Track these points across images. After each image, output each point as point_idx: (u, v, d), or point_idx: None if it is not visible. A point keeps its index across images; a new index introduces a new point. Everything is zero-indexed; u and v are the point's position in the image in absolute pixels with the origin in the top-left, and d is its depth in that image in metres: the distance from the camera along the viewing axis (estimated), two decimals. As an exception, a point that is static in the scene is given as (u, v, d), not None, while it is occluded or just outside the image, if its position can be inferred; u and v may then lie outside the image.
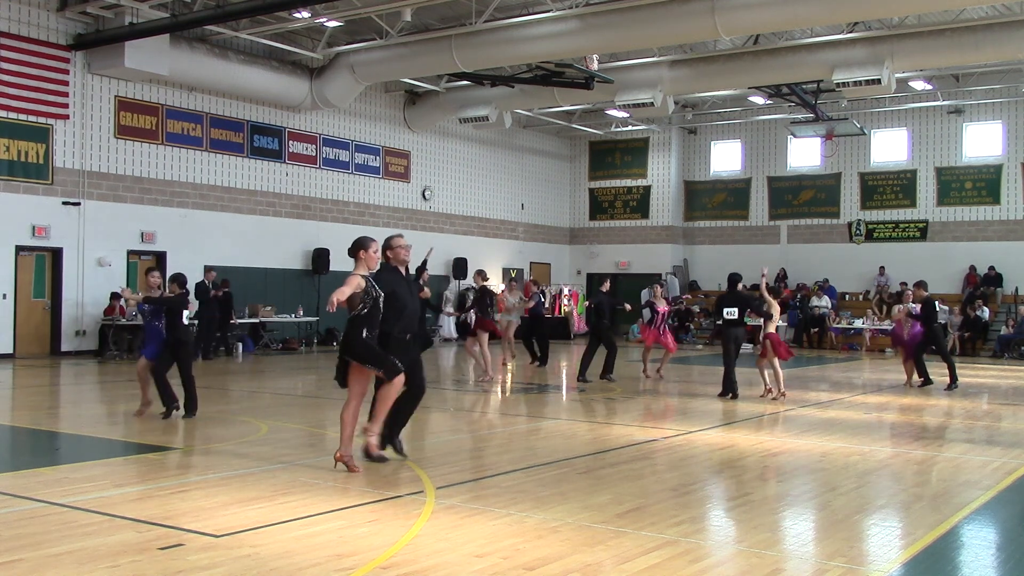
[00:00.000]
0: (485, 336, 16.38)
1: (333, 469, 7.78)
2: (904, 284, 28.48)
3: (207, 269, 20.57)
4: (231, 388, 15.39)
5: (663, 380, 16.61)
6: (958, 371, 16.20)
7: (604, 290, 16.78)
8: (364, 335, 7.68)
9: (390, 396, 7.86)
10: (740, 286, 14.20)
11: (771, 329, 13.94)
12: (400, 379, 7.79)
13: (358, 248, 7.78)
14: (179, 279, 11.34)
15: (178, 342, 10.92)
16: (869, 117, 29.62)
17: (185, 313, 11.14)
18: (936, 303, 16.07)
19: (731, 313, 13.61)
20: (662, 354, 17.30)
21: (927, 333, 15.89)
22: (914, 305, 16.33)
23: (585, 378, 16.06)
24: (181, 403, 10.99)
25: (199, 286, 19.92)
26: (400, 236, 8.37)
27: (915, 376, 16.20)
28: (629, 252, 33.18)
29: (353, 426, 7.79)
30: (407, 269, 8.39)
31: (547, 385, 16.56)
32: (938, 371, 16.71)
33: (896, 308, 17.28)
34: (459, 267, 28.82)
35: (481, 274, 17.06)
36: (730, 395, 13.77)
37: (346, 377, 7.88)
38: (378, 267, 7.92)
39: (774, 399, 13.65)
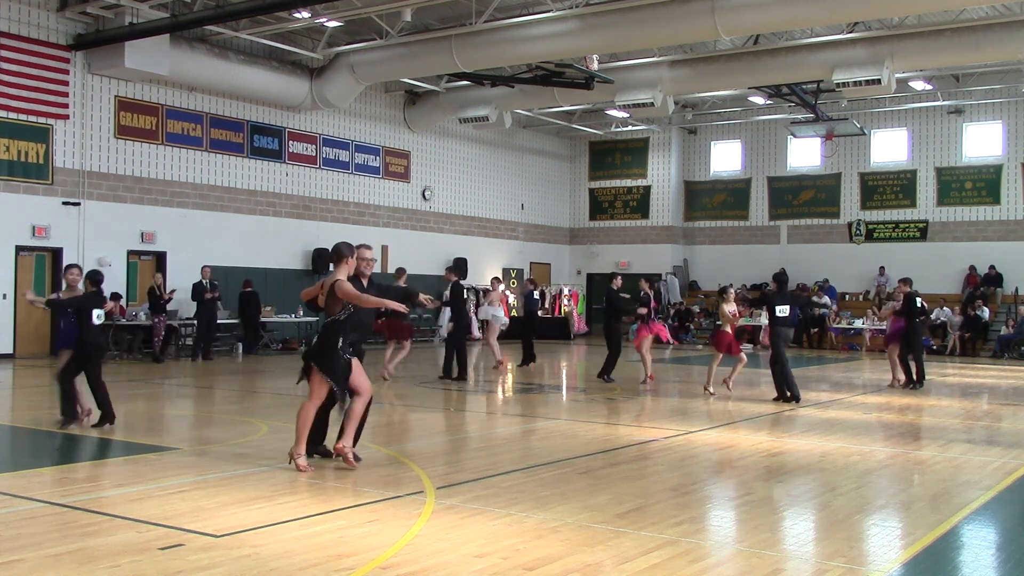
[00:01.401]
0: (405, 342, 15.65)
1: (346, 472, 7.76)
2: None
3: (204, 267, 20.48)
4: (231, 388, 15.39)
5: (652, 383, 16.00)
6: (956, 371, 16.18)
7: (615, 287, 16.44)
8: (340, 344, 7.74)
9: (359, 411, 7.94)
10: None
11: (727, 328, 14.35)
12: (369, 395, 7.95)
13: (344, 254, 7.92)
14: (92, 276, 10.53)
15: (84, 344, 10.14)
16: (869, 117, 29.61)
17: (96, 313, 10.22)
18: (917, 299, 15.87)
19: (784, 311, 13.63)
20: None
21: (906, 329, 15.88)
22: (897, 303, 16.33)
23: (608, 378, 15.90)
24: (94, 412, 10.31)
25: (196, 286, 19.90)
26: (368, 248, 8.46)
27: (899, 374, 16.21)
28: (629, 252, 33.17)
29: (309, 425, 7.86)
30: (371, 279, 8.53)
31: (547, 385, 16.55)
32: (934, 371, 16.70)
33: (886, 305, 17.25)
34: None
35: (400, 272, 15.88)
36: (791, 399, 13.49)
37: (310, 377, 7.90)
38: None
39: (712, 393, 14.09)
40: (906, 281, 16.31)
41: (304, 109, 24.19)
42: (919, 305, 15.80)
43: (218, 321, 20.75)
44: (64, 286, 10.75)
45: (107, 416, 10.20)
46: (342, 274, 7.85)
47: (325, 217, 25.29)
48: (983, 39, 19.79)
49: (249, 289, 21.54)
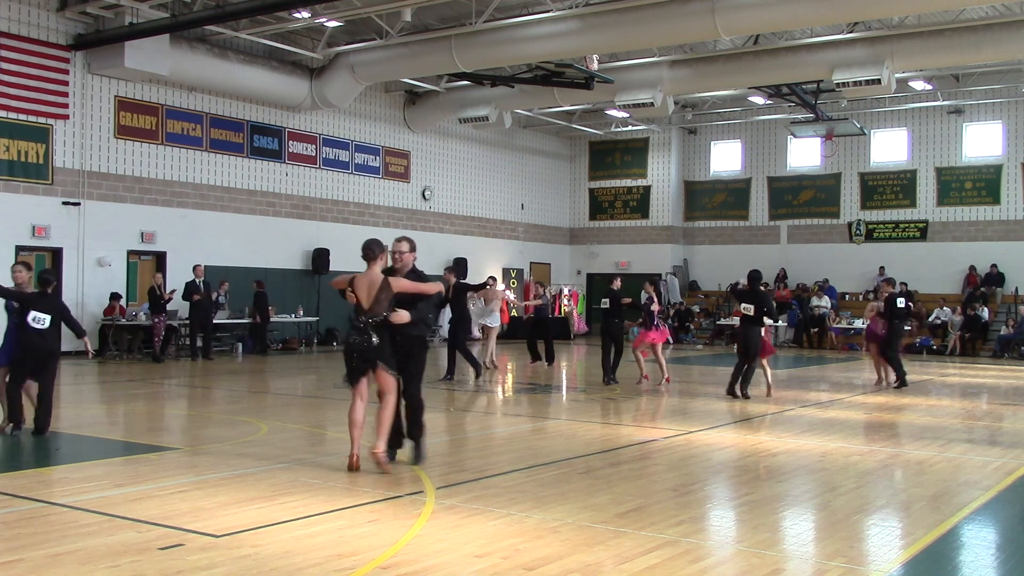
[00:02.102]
0: None
1: (347, 472, 7.70)
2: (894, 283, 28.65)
3: (196, 266, 20.17)
4: (231, 388, 15.39)
5: (647, 383, 15.93)
6: (956, 371, 16.17)
7: (615, 287, 16.44)
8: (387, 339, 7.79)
9: (393, 406, 7.87)
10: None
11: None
12: (396, 394, 7.91)
13: (376, 252, 7.79)
14: (40, 275, 9.91)
15: (19, 346, 9.63)
16: (869, 117, 29.61)
17: (32, 316, 9.51)
18: (900, 300, 15.92)
19: (748, 309, 13.63)
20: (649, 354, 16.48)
21: (888, 329, 15.97)
22: (881, 303, 16.30)
23: (613, 379, 15.73)
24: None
25: (189, 285, 19.80)
26: (400, 241, 8.24)
27: (890, 375, 16.25)
28: (629, 252, 33.17)
29: (390, 421, 7.83)
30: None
31: (547, 385, 16.55)
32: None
33: (869, 306, 17.19)
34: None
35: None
36: (741, 396, 13.66)
37: (359, 378, 7.83)
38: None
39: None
40: (889, 281, 16.45)
41: (304, 109, 24.19)
42: (901, 305, 15.86)
43: (215, 321, 20.75)
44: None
45: (13, 419, 9.63)
46: (378, 271, 7.80)
47: (325, 217, 25.29)
48: (983, 39, 19.79)
49: (261, 290, 21.82)
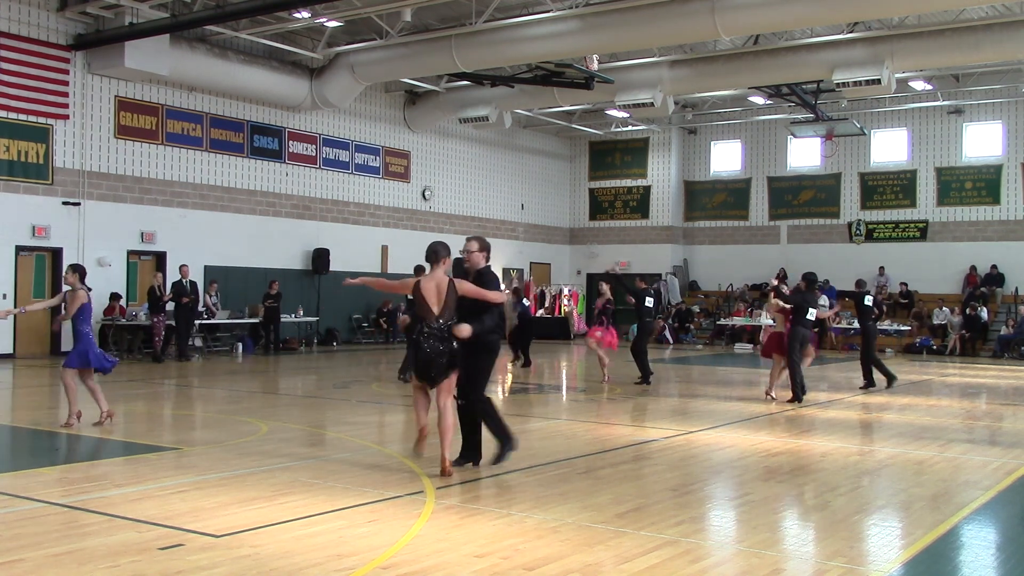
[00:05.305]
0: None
1: (443, 476, 7.68)
2: (904, 284, 28.64)
3: (182, 266, 20.05)
4: (231, 388, 15.38)
5: (610, 382, 15.91)
6: (956, 371, 16.14)
7: (644, 286, 16.44)
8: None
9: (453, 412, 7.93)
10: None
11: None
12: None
13: (447, 253, 7.76)
14: None
15: None
16: (869, 117, 29.61)
17: None
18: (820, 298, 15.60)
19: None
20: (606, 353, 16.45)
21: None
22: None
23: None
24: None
25: (176, 285, 19.74)
26: (470, 240, 8.34)
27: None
28: (629, 252, 33.16)
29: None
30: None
31: (546, 385, 16.55)
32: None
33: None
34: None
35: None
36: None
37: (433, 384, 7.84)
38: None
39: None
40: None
41: (304, 109, 24.18)
42: (824, 304, 15.47)
43: (213, 321, 20.74)
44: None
45: None
46: (443, 274, 7.73)
47: (325, 217, 25.29)
48: (983, 39, 19.79)
49: (275, 291, 22.10)
